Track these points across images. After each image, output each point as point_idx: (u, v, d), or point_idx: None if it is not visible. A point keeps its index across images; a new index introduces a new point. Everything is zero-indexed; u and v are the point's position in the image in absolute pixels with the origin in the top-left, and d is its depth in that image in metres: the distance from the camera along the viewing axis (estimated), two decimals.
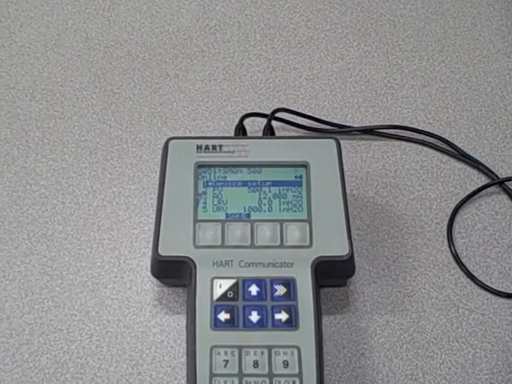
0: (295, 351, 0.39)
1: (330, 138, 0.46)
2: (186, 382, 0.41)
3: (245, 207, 0.44)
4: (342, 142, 0.48)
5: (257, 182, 0.45)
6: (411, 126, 0.54)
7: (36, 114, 0.54)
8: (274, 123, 0.52)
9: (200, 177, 0.45)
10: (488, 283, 0.47)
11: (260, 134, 0.52)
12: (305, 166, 0.45)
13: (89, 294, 0.46)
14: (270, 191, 0.44)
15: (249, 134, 0.51)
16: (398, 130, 0.53)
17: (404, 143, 0.53)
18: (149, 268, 0.44)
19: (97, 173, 0.51)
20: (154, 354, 0.44)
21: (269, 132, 0.50)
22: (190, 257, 0.42)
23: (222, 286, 0.41)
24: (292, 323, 0.40)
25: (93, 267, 0.47)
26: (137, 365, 0.43)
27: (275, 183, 0.45)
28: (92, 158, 0.52)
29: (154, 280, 0.46)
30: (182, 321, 0.45)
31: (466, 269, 0.47)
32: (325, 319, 0.45)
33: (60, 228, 0.49)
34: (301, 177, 0.45)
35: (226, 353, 0.39)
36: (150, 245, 0.45)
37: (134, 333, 0.44)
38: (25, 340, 0.44)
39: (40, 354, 0.43)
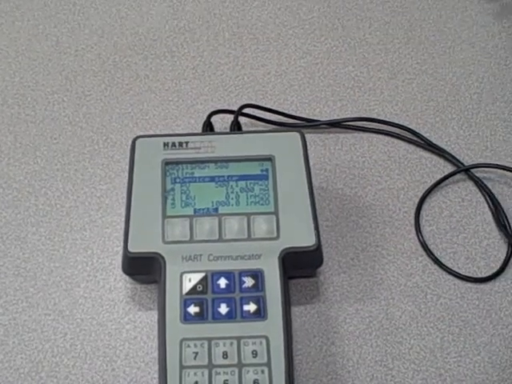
0: (264, 341, 0.40)
1: (295, 131, 0.47)
2: (158, 375, 0.41)
3: (212, 202, 0.45)
4: (310, 135, 0.49)
5: (224, 176, 0.45)
6: (378, 117, 0.55)
7: (8, 118, 0.55)
8: (243, 119, 0.53)
9: (168, 174, 0.45)
10: (455, 269, 0.48)
11: (228, 131, 0.52)
12: (270, 159, 0.46)
13: (62, 293, 0.46)
14: (237, 185, 0.45)
15: (216, 131, 0.52)
16: (365, 122, 0.54)
17: (371, 135, 0.54)
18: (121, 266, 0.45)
19: (69, 174, 0.52)
20: (127, 350, 0.44)
21: (236, 128, 0.50)
22: (160, 252, 0.43)
23: (191, 280, 0.42)
24: (260, 314, 0.41)
25: (66, 267, 0.47)
26: (111, 361, 0.44)
27: (242, 177, 0.45)
28: (64, 159, 0.53)
29: (127, 278, 0.46)
30: (155, 316, 0.45)
31: (434, 255, 0.48)
32: (295, 309, 0.45)
33: (33, 230, 0.49)
34: (267, 170, 0.45)
35: (195, 345, 0.40)
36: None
37: (107, 330, 0.45)
38: None
39: (15, 355, 0.44)
